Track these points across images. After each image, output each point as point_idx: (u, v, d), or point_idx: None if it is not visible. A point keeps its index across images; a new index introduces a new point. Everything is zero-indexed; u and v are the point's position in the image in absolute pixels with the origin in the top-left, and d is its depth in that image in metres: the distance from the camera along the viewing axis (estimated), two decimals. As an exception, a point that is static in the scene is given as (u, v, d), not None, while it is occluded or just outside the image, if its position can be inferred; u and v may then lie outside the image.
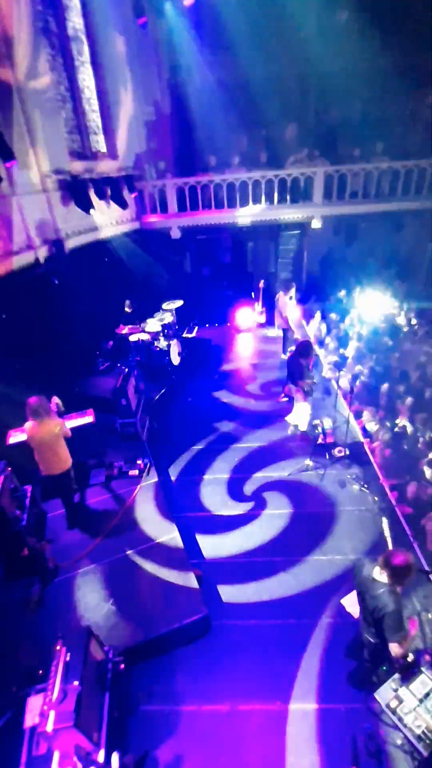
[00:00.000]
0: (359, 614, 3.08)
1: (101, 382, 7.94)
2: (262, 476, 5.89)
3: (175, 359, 8.39)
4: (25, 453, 4.75)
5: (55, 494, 5.02)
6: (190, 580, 4.29)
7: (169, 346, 8.15)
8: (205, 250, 11.84)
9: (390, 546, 3.63)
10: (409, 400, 6.60)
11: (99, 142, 9.20)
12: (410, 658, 2.89)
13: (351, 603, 3.34)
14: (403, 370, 7.63)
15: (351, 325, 9.70)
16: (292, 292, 8.49)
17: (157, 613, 4.01)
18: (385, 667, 3.50)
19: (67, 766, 2.63)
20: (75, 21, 8.08)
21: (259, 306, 11.09)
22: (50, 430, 4.54)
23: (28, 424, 4.51)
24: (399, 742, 3.02)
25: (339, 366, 7.59)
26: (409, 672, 3.15)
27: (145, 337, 8.10)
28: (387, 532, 3.37)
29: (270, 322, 10.64)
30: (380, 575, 2.79)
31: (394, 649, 2.72)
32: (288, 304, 8.36)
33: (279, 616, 4.10)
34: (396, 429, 6.13)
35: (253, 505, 5.45)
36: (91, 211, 7.89)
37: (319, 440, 6.26)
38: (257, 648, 3.87)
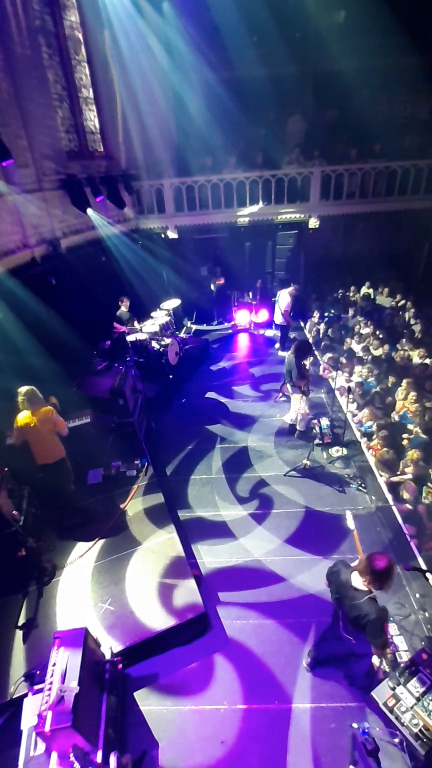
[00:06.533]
0: (337, 615, 3.05)
1: (99, 382, 7.93)
2: (260, 476, 5.89)
3: (173, 359, 8.37)
4: (23, 454, 4.73)
5: (52, 489, 4.97)
6: (189, 580, 4.28)
7: (166, 345, 8.14)
8: (203, 250, 11.85)
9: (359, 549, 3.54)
10: (408, 399, 6.61)
11: (96, 142, 9.17)
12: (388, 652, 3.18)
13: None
14: (400, 369, 7.64)
15: (349, 325, 9.71)
16: (291, 289, 8.63)
17: (155, 612, 4.01)
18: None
19: (65, 766, 2.61)
20: (72, 20, 8.05)
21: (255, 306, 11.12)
22: (44, 416, 4.57)
23: (23, 414, 4.52)
24: (397, 740, 3.02)
25: (337, 366, 7.61)
26: (407, 671, 3.16)
27: (142, 336, 8.09)
28: (354, 532, 3.37)
29: (268, 322, 10.68)
30: (360, 583, 2.75)
31: (377, 651, 2.82)
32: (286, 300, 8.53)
33: (278, 616, 4.10)
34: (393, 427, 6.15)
35: (249, 505, 5.45)
36: (88, 210, 7.87)
37: (317, 440, 6.28)
38: (256, 647, 3.87)
